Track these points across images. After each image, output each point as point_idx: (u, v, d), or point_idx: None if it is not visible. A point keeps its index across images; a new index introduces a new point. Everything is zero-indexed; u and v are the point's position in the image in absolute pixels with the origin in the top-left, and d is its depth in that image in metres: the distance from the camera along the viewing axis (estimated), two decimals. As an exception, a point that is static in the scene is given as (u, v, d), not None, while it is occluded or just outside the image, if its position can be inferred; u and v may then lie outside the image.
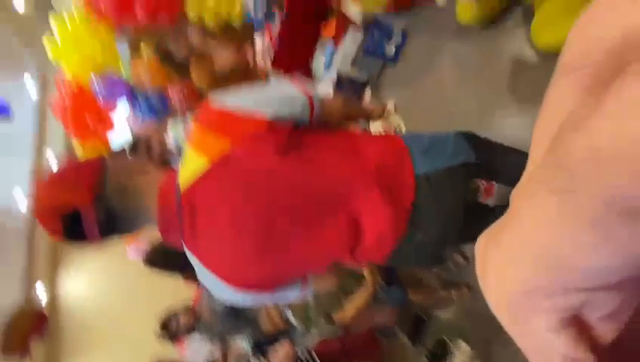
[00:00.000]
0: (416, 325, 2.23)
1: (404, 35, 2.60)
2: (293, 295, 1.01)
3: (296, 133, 0.88)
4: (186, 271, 2.39)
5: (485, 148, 0.99)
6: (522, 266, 0.21)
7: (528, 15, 1.66)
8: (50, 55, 3.36)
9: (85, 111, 3.87)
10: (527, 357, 0.23)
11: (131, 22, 3.37)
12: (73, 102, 3.63)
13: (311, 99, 0.92)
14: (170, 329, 2.29)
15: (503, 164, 0.95)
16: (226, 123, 0.86)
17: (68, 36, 3.28)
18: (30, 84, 4.54)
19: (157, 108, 3.18)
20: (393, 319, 2.15)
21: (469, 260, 1.95)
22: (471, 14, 1.92)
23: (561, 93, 0.20)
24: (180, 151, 2.35)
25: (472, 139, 0.97)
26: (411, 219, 0.87)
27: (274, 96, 0.91)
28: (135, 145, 2.34)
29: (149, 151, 2.32)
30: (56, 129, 4.93)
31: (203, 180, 0.85)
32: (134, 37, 3.99)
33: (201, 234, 0.87)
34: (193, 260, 0.91)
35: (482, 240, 0.25)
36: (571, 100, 0.19)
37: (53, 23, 3.29)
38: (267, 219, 0.85)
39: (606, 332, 0.21)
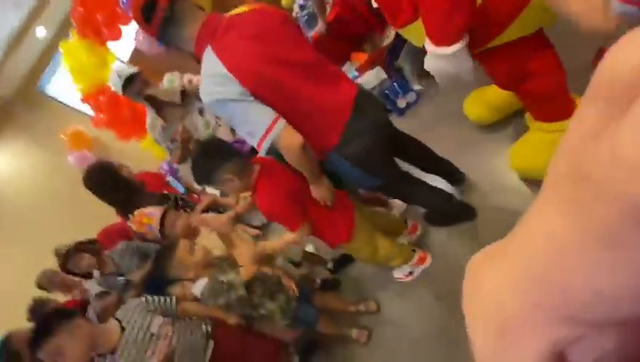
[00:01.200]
0: (309, 351, 2.27)
1: (418, 97, 2.79)
2: (256, 127, 1.29)
3: None
4: (124, 203, 2.31)
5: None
6: (526, 280, 0.18)
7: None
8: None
9: (100, 10, 3.72)
10: None
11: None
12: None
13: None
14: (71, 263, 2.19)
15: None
16: None
17: None
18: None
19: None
20: (292, 337, 2.17)
21: (380, 310, 2.08)
22: (474, 111, 2.06)
23: (586, 112, 0.18)
24: (167, 94, 2.39)
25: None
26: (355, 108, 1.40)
27: None
28: (132, 78, 2.31)
29: (143, 86, 2.32)
30: (58, 10, 4.67)
31: (241, 14, 1.34)
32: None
33: (230, 38, 1.27)
34: (210, 57, 1.26)
35: (479, 254, 0.23)
36: (594, 116, 0.17)
37: None
38: (279, 37, 1.34)
39: None
